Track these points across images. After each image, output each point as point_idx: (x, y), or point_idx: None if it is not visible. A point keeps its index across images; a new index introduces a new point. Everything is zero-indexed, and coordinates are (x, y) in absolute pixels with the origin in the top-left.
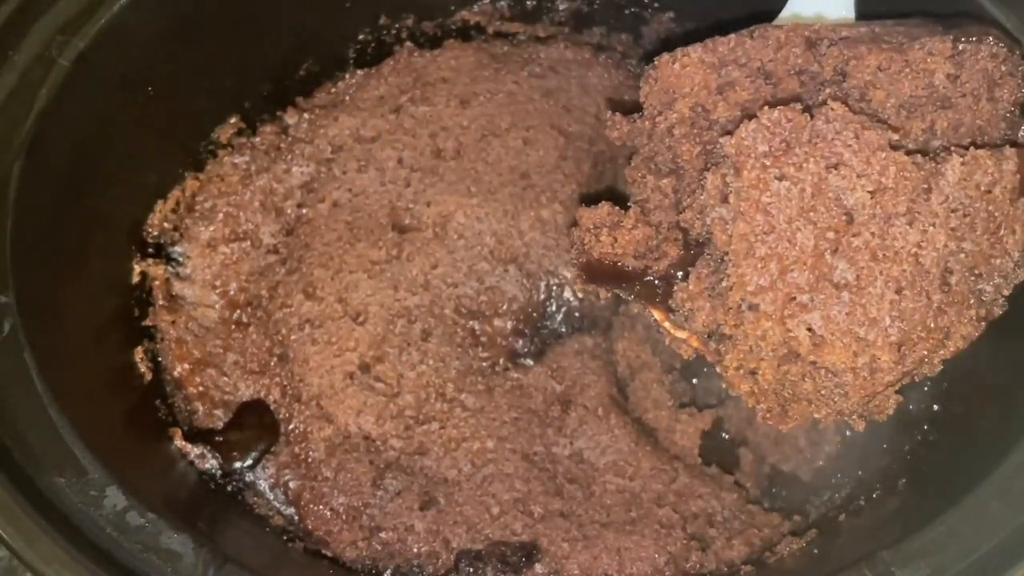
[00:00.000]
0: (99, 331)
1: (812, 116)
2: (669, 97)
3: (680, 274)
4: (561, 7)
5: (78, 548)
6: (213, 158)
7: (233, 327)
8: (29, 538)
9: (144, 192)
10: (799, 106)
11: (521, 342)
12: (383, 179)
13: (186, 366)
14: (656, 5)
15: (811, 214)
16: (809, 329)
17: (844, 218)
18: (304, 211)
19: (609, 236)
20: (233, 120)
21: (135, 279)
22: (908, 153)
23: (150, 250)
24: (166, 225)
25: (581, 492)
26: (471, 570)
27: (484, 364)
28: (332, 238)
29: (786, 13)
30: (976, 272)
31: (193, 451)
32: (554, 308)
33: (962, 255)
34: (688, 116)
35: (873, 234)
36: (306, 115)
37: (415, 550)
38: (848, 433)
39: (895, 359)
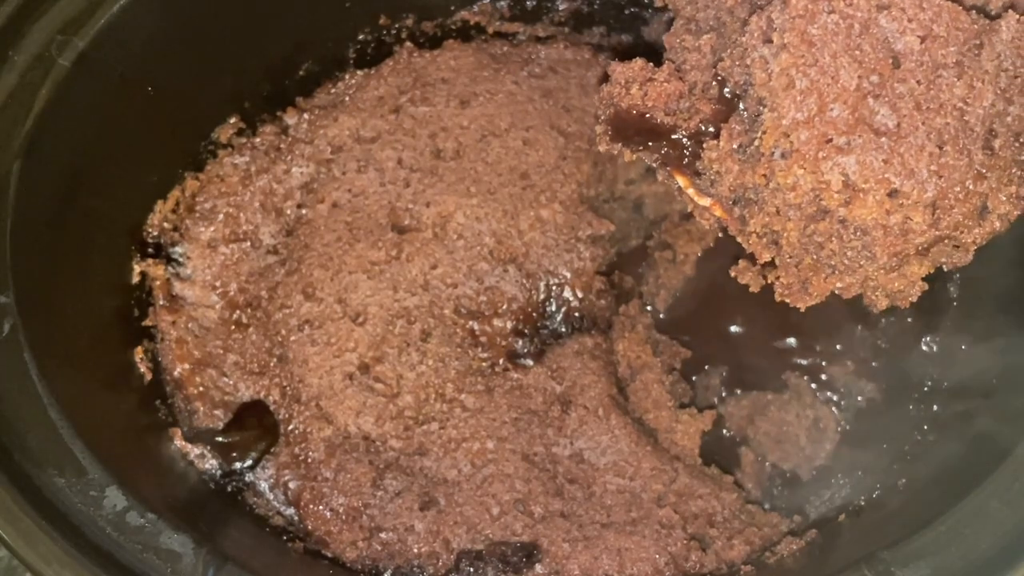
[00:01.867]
0: (99, 331)
1: None
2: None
3: (712, 130)
4: (561, 7)
5: (78, 548)
6: (213, 158)
7: (233, 328)
8: (29, 538)
9: (144, 192)
10: None
11: (521, 342)
12: (383, 179)
13: (186, 366)
14: (656, 5)
15: (857, 52)
16: (843, 175)
17: (891, 62)
18: (304, 211)
19: (640, 90)
20: (233, 120)
21: (135, 279)
22: (965, 8)
23: (150, 250)
24: (166, 225)
25: (581, 492)
26: (471, 570)
27: (484, 364)
28: (332, 238)
29: None
30: (1022, 140)
31: (193, 451)
32: (554, 308)
33: (1008, 118)
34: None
35: (919, 82)
36: (306, 115)
37: (415, 550)
38: (848, 429)
39: (929, 220)
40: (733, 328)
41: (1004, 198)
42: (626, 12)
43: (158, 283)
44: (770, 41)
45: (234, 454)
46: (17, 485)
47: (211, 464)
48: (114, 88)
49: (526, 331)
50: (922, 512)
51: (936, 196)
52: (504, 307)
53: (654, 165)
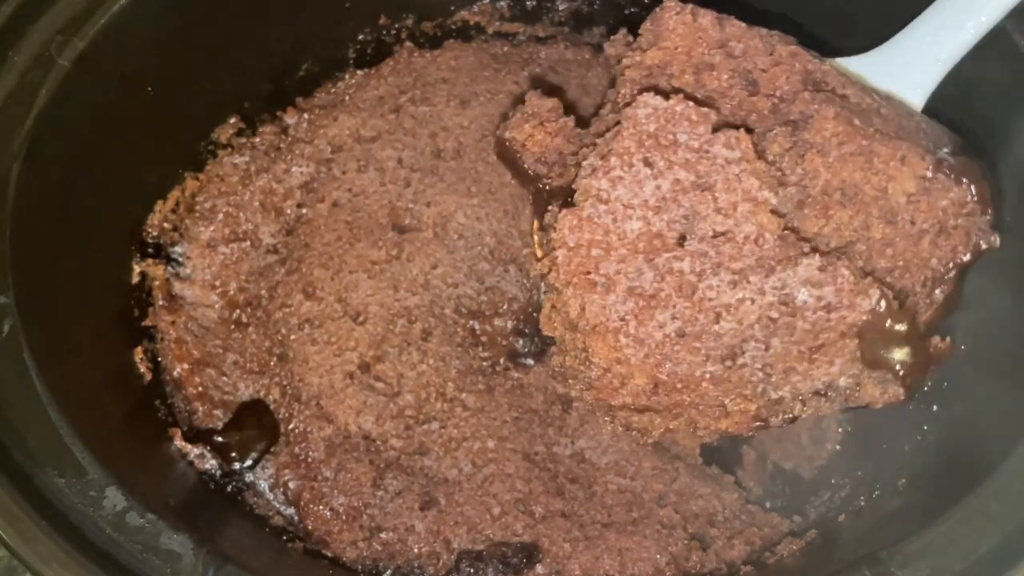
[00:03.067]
0: (99, 331)
1: (720, 133)
2: (655, 40)
3: (560, 199)
4: (561, 7)
5: (78, 548)
6: (213, 158)
7: (233, 327)
8: (29, 538)
9: (144, 192)
10: (744, 130)
11: (521, 342)
12: (383, 179)
13: (186, 366)
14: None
15: (650, 213)
16: (581, 306)
17: (678, 236)
18: (304, 211)
19: (532, 128)
20: (233, 120)
21: (135, 279)
22: (786, 228)
23: (150, 250)
24: (166, 225)
25: (582, 492)
26: (472, 571)
27: (484, 364)
28: (332, 238)
29: (846, 64)
30: (769, 371)
31: (193, 451)
32: None
33: (763, 347)
34: (653, 66)
35: (693, 270)
36: (306, 115)
37: (415, 550)
38: (850, 429)
39: (648, 389)
40: None
41: (736, 409)
42: (626, 12)
43: (158, 283)
44: (599, 157)
45: (234, 454)
46: (17, 485)
47: (211, 464)
48: (114, 88)
49: (527, 331)
50: (922, 512)
51: (656, 375)
52: (505, 307)
53: (529, 195)
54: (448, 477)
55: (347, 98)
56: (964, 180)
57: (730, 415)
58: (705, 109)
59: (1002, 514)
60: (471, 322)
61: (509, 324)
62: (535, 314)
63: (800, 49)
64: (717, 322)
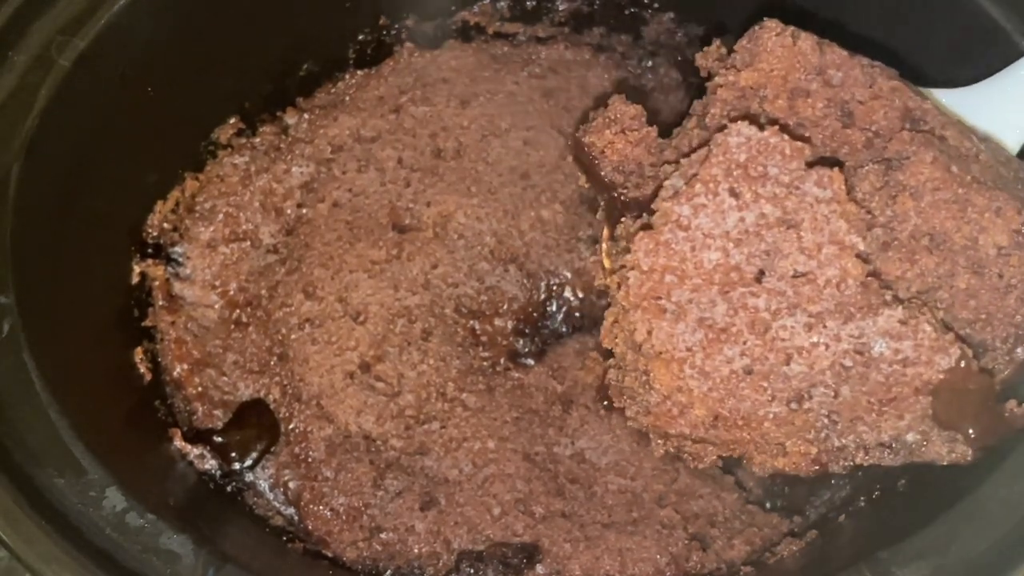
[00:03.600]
0: (99, 331)
1: (813, 170)
2: (751, 60)
3: (635, 212)
4: (561, 7)
5: (78, 548)
6: (213, 158)
7: (233, 327)
8: (29, 538)
9: (144, 192)
10: (837, 165)
11: (522, 342)
12: (383, 179)
13: (185, 366)
14: (656, 5)
15: (731, 245)
16: (649, 331)
17: (756, 272)
18: (304, 211)
19: (612, 134)
20: (233, 120)
21: (135, 279)
22: (871, 275)
23: (150, 250)
24: (166, 225)
25: (583, 492)
26: (472, 571)
27: (485, 364)
28: (332, 238)
29: (944, 97)
30: (835, 418)
31: (193, 451)
32: (555, 308)
33: (832, 394)
34: (747, 87)
35: (767, 307)
36: (306, 115)
37: (416, 551)
38: None
39: (708, 421)
40: None
41: (797, 451)
42: (626, 12)
43: (158, 283)
44: (683, 180)
45: (234, 454)
46: (17, 485)
47: (211, 464)
48: (114, 88)
49: (527, 331)
50: (922, 512)
51: (718, 409)
52: (505, 307)
53: (600, 201)
54: (448, 477)
55: (347, 98)
56: None
57: (788, 455)
58: (800, 144)
59: (1002, 514)
60: (471, 322)
61: (509, 324)
62: (535, 314)
63: (902, 84)
64: (787, 364)
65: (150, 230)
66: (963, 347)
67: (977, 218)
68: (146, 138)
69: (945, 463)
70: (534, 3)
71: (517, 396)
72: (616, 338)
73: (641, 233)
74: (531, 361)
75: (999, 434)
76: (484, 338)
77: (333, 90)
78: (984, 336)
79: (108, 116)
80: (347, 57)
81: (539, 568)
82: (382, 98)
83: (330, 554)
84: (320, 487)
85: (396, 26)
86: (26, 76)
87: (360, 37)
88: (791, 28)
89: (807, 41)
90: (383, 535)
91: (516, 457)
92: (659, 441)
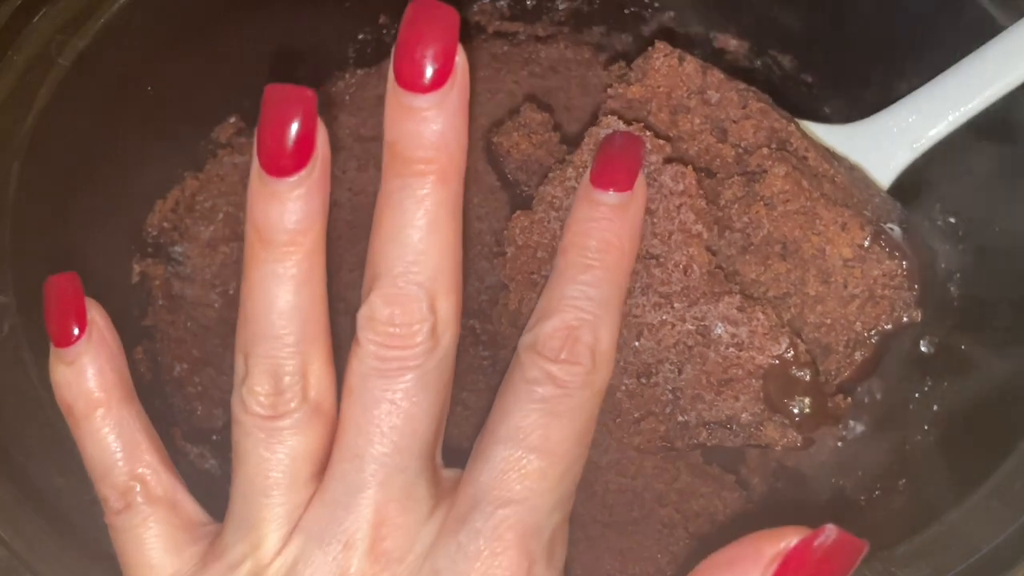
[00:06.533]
0: None
1: (669, 165)
2: (641, 77)
3: None
4: (561, 7)
5: (78, 548)
6: (213, 158)
7: (233, 327)
8: (29, 538)
9: (144, 192)
10: (706, 172)
11: None
12: None
13: (186, 365)
14: (656, 5)
15: None
16: (519, 303)
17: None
18: None
19: (519, 136)
20: (233, 120)
21: (135, 279)
22: (718, 267)
23: (150, 250)
24: (166, 225)
25: (583, 492)
26: None
27: (485, 363)
28: (332, 237)
29: (815, 128)
30: (678, 394)
31: (193, 451)
32: None
33: (676, 371)
34: (634, 100)
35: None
36: None
37: None
38: (853, 424)
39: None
40: None
41: (647, 428)
42: (626, 12)
43: (158, 283)
44: (558, 166)
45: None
46: (17, 485)
47: (211, 464)
48: (114, 88)
49: None
50: (922, 512)
51: None
52: None
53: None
54: None
55: (347, 98)
56: (897, 254)
57: (642, 433)
58: (662, 141)
59: (1002, 514)
60: (471, 321)
61: None
62: None
63: (770, 108)
64: (638, 339)
65: (150, 229)
66: (793, 338)
67: (824, 230)
68: (146, 138)
69: (779, 448)
70: (534, 3)
71: None
72: (501, 318)
73: (518, 212)
74: None
75: (821, 425)
76: (484, 338)
77: (333, 90)
78: (829, 339)
79: (108, 116)
80: (347, 57)
81: None
82: (382, 98)
83: None
84: None
85: (396, 26)
86: (26, 76)
87: (360, 37)
88: (678, 51)
89: (692, 64)
90: None
91: None
92: None
